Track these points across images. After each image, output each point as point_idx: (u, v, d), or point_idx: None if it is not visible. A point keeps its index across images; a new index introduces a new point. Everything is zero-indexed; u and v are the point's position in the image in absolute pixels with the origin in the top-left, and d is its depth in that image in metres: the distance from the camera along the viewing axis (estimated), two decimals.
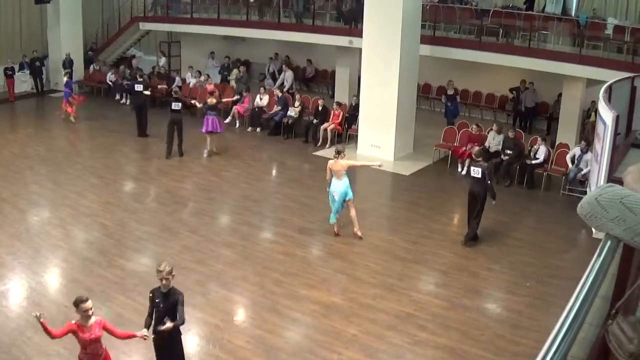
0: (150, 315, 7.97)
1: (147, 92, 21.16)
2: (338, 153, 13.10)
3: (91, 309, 7.46)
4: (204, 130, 19.02)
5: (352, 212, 13.26)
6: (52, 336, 7.48)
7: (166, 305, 7.84)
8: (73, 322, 7.47)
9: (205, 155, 19.28)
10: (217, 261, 12.48)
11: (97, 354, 7.68)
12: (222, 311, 10.63)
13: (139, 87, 21.33)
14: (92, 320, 7.52)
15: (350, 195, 13.13)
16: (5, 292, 11.45)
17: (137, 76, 22.62)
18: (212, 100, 19.15)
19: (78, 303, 7.43)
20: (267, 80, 26.41)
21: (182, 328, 8.24)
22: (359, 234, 13.29)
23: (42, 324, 7.32)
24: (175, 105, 18.63)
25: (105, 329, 7.58)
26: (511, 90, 21.70)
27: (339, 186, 13.05)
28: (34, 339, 9.80)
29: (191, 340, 9.53)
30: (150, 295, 8.01)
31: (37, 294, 11.33)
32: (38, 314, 7.33)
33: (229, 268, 12.18)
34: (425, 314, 10.37)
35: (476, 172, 12.68)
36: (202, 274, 11.87)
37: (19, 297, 11.31)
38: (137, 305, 10.51)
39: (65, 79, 21.99)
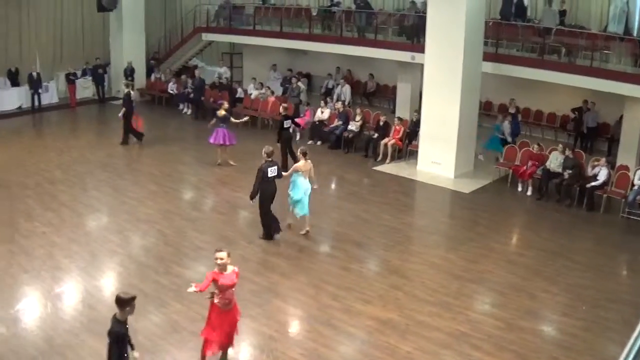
0: None
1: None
2: (305, 154, 14.21)
3: (222, 259, 8.65)
4: (212, 141, 19.28)
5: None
6: (199, 291, 8.59)
7: None
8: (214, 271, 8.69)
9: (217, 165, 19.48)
10: (273, 272, 12.59)
11: (230, 300, 8.81)
12: (277, 322, 10.72)
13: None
14: (229, 269, 8.73)
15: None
16: (61, 295, 11.75)
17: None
18: (221, 112, 19.35)
19: (215, 251, 8.77)
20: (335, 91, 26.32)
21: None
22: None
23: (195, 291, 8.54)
24: (287, 124, 18.85)
25: (238, 276, 8.86)
26: (573, 110, 21.36)
27: (307, 184, 14.18)
28: (88, 341, 10.06)
29: (245, 350, 9.63)
30: None
31: (92, 297, 11.60)
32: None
33: (285, 279, 12.28)
34: (481, 333, 10.33)
35: None
36: (258, 284, 11.98)
37: (74, 299, 11.58)
38: (192, 313, 10.71)
39: (126, 90, 22.20)
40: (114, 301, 7.65)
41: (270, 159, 13.80)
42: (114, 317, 7.58)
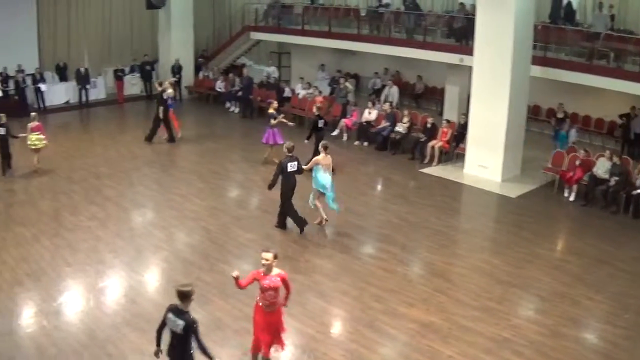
0: None
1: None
2: (326, 148, 14.79)
3: (267, 260, 8.64)
4: (264, 141, 19.55)
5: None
6: (240, 287, 8.77)
7: None
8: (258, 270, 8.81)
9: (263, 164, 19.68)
10: (316, 272, 12.73)
11: (273, 302, 8.83)
12: (319, 322, 10.83)
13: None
14: (274, 271, 8.74)
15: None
16: (104, 289, 12.02)
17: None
18: (271, 111, 19.62)
19: (262, 251, 8.74)
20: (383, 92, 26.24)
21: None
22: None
23: (235, 279, 8.65)
24: (321, 123, 19.02)
25: (284, 281, 8.80)
26: (621, 116, 21.05)
27: (328, 178, 14.61)
28: (129, 336, 10.30)
29: (286, 349, 9.64)
30: None
31: (135, 292, 11.87)
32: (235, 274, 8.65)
33: (329, 280, 12.40)
34: (523, 339, 10.35)
35: None
36: (302, 283, 12.07)
37: (117, 294, 11.85)
38: (235, 311, 10.90)
39: (169, 91, 22.44)
40: (177, 295, 7.75)
41: (290, 154, 14.27)
42: (181, 310, 7.76)
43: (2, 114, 18.49)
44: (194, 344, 7.78)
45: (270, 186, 14.35)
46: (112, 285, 12.23)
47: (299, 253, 13.60)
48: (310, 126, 19.45)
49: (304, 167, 14.63)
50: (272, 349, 9.09)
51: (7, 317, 10.88)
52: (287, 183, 14.32)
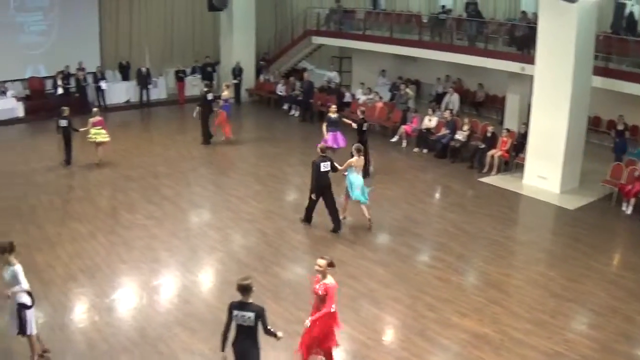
0: None
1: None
2: (359, 151, 15.32)
3: (321, 266, 8.89)
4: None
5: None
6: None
7: None
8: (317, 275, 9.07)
9: None
10: (371, 279, 12.84)
11: (316, 307, 9.14)
12: (371, 329, 10.96)
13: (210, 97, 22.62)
14: (326, 279, 8.92)
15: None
16: (158, 287, 12.38)
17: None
18: (333, 114, 19.75)
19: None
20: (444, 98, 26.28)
21: None
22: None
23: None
24: (365, 127, 19.27)
25: (325, 294, 8.87)
26: None
27: (360, 179, 15.25)
28: (181, 335, 10.58)
29: (337, 355, 9.77)
30: None
31: (188, 292, 12.17)
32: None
33: (383, 287, 12.51)
34: (575, 354, 10.35)
35: None
36: (356, 289, 12.27)
37: (171, 293, 12.19)
38: (287, 314, 11.15)
39: (224, 93, 22.95)
40: (239, 289, 8.11)
41: (324, 155, 14.89)
42: (245, 303, 8.13)
43: (65, 107, 19.63)
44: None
45: (312, 190, 15.00)
46: (166, 284, 12.58)
47: (354, 259, 13.73)
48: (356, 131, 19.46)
49: (339, 167, 15.16)
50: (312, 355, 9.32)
51: (60, 311, 11.26)
52: (320, 182, 14.85)
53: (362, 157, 15.50)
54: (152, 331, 10.74)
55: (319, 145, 15.27)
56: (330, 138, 19.51)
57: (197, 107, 22.56)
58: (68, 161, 19.71)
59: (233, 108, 24.63)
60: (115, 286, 12.30)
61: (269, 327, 8.22)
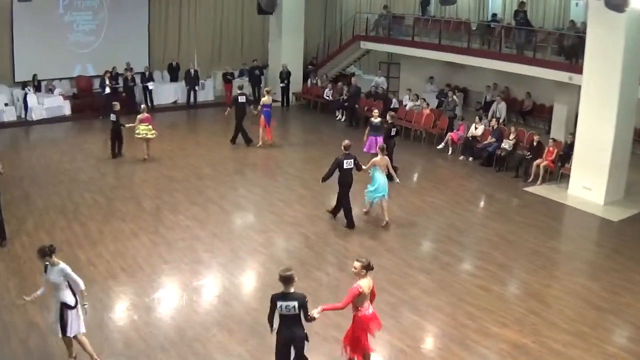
0: None
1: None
2: (382, 150, 16.14)
3: (356, 268, 9.14)
4: (365, 150, 19.76)
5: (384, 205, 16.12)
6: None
7: None
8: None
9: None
10: (412, 286, 12.95)
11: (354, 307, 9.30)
12: (410, 337, 11.06)
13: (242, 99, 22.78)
14: (361, 281, 9.12)
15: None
16: (199, 288, 12.63)
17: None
18: (376, 119, 19.92)
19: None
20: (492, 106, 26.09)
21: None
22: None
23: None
24: (393, 132, 19.53)
25: (349, 293, 9.11)
26: None
27: (384, 177, 15.86)
28: (218, 336, 10.80)
29: None
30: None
31: (228, 294, 12.41)
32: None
33: (424, 295, 12.61)
34: None
35: None
36: (396, 297, 12.41)
37: (211, 294, 12.45)
38: (325, 319, 10.90)
39: (264, 98, 22.89)
40: (281, 280, 8.55)
41: (347, 152, 15.43)
42: (288, 293, 8.59)
43: (116, 102, 20.63)
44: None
45: (324, 179, 15.71)
46: (206, 285, 12.84)
47: (397, 266, 13.87)
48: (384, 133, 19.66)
49: (363, 167, 15.78)
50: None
51: (99, 309, 11.53)
52: (344, 179, 15.50)
53: (386, 157, 16.10)
54: (189, 331, 10.97)
55: (343, 143, 15.62)
56: (368, 143, 19.72)
57: (228, 108, 23.16)
58: (117, 153, 20.73)
59: (275, 113, 24.76)
60: (155, 286, 12.58)
61: (309, 315, 8.63)
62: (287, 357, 8.75)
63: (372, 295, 9.39)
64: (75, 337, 9.77)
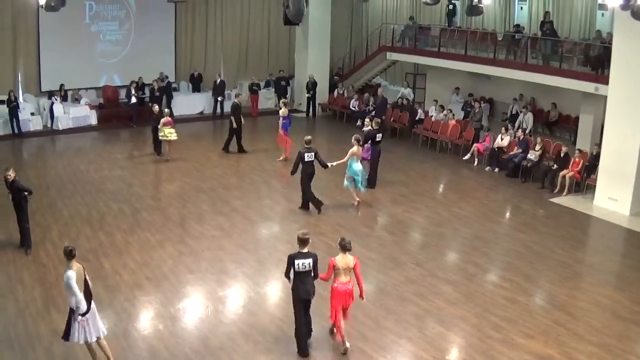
0: None
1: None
2: (358, 141, 17.77)
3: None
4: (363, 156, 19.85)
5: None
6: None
7: None
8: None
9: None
10: (438, 297, 13.01)
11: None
12: (435, 348, 11.11)
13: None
14: (338, 256, 10.70)
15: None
16: (224, 298, 12.77)
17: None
18: (366, 127, 20.41)
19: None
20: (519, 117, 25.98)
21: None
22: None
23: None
24: (378, 137, 19.80)
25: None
26: None
27: (360, 166, 17.83)
28: (243, 347, 10.92)
29: None
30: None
31: (254, 304, 12.52)
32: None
33: (449, 306, 12.69)
34: None
35: None
36: (422, 308, 12.50)
37: (236, 304, 12.57)
38: (348, 328, 11.15)
39: (281, 110, 22.98)
40: (299, 241, 10.43)
41: (308, 146, 17.08)
42: (303, 252, 10.43)
43: (154, 104, 22.71)
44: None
45: (292, 172, 17.52)
46: (231, 295, 12.97)
47: (423, 277, 13.94)
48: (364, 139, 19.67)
49: (339, 160, 17.73)
50: None
51: (124, 319, 11.74)
52: (306, 170, 17.14)
53: (361, 147, 18.01)
54: (214, 341, 11.10)
55: (305, 139, 17.30)
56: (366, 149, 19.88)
57: (231, 117, 23.41)
58: (159, 152, 22.34)
59: (301, 123, 25.71)
60: (180, 296, 12.73)
61: (316, 266, 10.49)
62: (304, 310, 10.63)
63: (357, 278, 10.74)
64: (88, 344, 9.85)
